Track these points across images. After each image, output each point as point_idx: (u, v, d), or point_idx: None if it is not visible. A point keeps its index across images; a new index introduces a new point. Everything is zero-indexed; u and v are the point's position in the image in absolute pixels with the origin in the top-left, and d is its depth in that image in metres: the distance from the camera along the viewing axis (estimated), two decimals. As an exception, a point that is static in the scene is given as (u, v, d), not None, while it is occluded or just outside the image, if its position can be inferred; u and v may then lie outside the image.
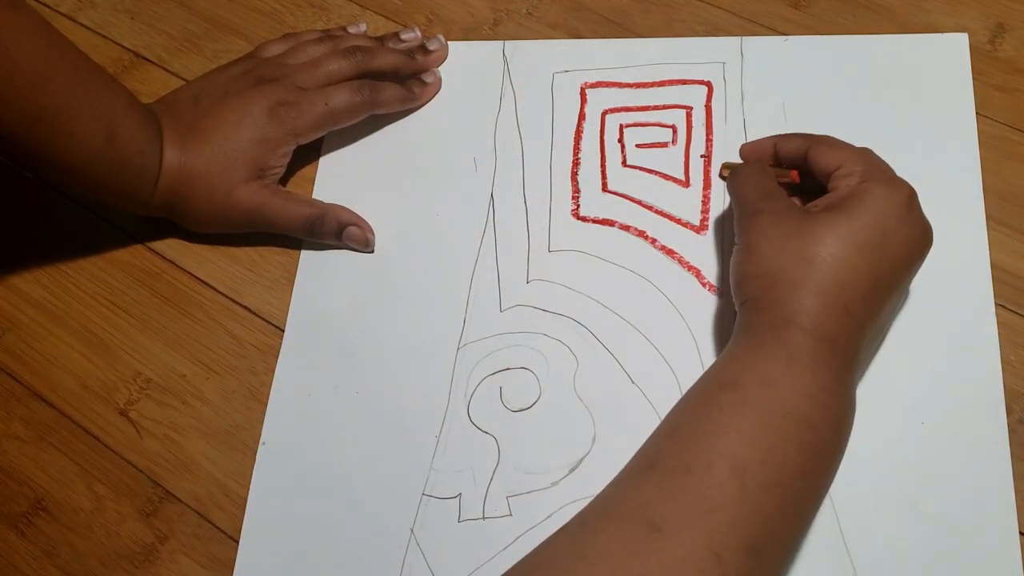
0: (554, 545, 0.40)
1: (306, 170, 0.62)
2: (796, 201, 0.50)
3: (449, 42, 0.64)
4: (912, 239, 0.46)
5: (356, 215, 0.58)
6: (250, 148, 0.57)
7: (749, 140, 0.56)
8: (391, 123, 0.62)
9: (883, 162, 0.49)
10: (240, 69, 0.60)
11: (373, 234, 0.58)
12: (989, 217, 0.54)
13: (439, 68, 0.64)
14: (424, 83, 0.63)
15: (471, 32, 0.65)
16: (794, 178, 0.51)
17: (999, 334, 0.51)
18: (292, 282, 0.58)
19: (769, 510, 0.40)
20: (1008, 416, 0.49)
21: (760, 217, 0.47)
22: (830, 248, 0.44)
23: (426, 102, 0.63)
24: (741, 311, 0.47)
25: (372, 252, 0.58)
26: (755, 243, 0.47)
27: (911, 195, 0.47)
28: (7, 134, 0.52)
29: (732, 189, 0.51)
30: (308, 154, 0.62)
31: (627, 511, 0.40)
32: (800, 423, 0.42)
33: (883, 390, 0.50)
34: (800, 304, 0.44)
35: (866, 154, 0.49)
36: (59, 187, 0.63)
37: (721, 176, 0.57)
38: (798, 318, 0.44)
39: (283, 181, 0.60)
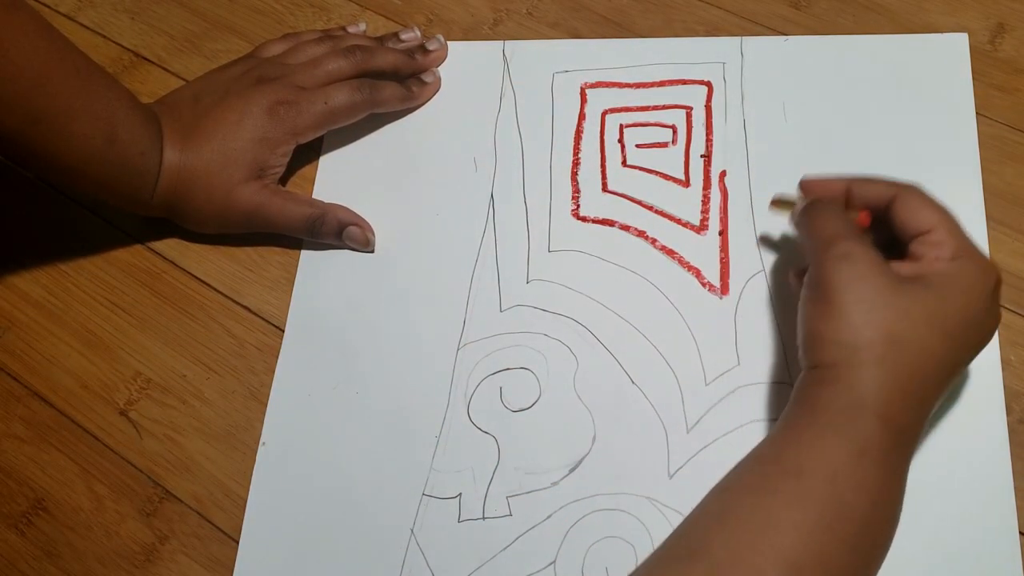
0: None
1: (306, 170, 0.62)
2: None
3: (449, 42, 0.64)
4: (989, 328, 0.44)
5: (356, 215, 0.58)
6: (250, 148, 0.57)
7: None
8: (391, 123, 0.62)
9: (970, 238, 0.45)
10: (240, 69, 0.60)
11: (373, 234, 0.58)
12: (989, 217, 0.54)
13: (438, 68, 0.64)
14: (423, 83, 0.63)
15: (471, 32, 0.65)
16: (863, 221, 0.47)
17: (999, 334, 0.51)
18: (292, 282, 0.58)
19: None
20: (1008, 416, 0.49)
21: (847, 264, 0.43)
22: (920, 331, 0.41)
23: (425, 102, 0.63)
24: (809, 375, 0.43)
25: (372, 252, 0.58)
26: (840, 300, 0.42)
27: (998, 283, 0.44)
28: (7, 135, 0.51)
29: (806, 226, 0.47)
30: (308, 154, 0.62)
31: None
32: (859, 526, 0.39)
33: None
34: (879, 389, 0.41)
35: (956, 224, 0.45)
36: (59, 187, 0.63)
37: (771, 208, 0.52)
38: (875, 405, 0.40)
39: (283, 181, 0.60)
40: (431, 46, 0.63)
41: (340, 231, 0.58)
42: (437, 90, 0.63)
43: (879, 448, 0.40)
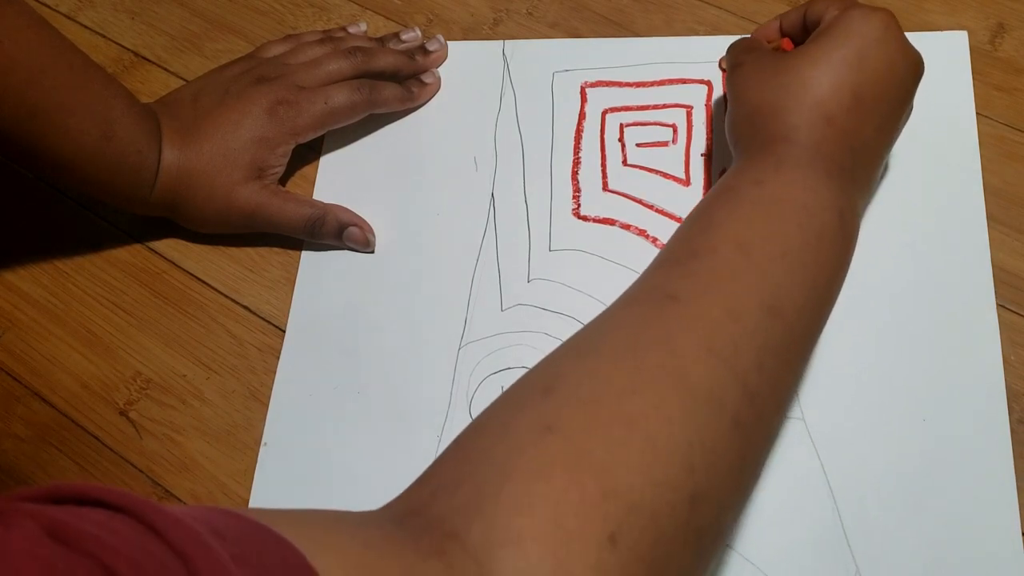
0: (581, 332, 0.41)
1: (306, 170, 0.62)
2: None
3: (449, 42, 0.64)
4: (891, 57, 0.47)
5: (356, 215, 0.58)
6: (250, 148, 0.57)
7: None
8: (391, 123, 0.62)
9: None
10: (240, 69, 0.61)
11: (373, 234, 0.58)
12: (990, 217, 0.54)
13: (439, 68, 0.64)
14: (423, 83, 0.63)
15: (471, 32, 0.65)
16: (786, 46, 0.52)
17: (1000, 334, 0.51)
18: (292, 282, 0.58)
19: (779, 277, 0.41)
20: (1009, 416, 0.49)
21: (742, 68, 0.49)
22: (805, 72, 0.46)
23: (425, 102, 0.63)
24: (735, 154, 0.49)
25: (372, 252, 0.58)
26: (739, 92, 0.49)
27: (886, 18, 0.48)
28: (3, 130, 0.51)
29: (726, 63, 0.53)
30: (308, 154, 0.62)
31: (643, 292, 0.42)
32: (796, 207, 0.43)
33: (885, 390, 0.50)
34: (783, 123, 0.46)
35: None
36: (57, 185, 0.63)
37: (720, 67, 0.57)
38: (782, 133, 0.46)
39: (283, 181, 0.60)
40: (431, 47, 0.63)
41: (340, 231, 0.58)
42: (437, 90, 0.63)
43: (796, 158, 0.45)
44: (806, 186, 0.44)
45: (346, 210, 0.59)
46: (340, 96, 0.59)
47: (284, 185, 0.61)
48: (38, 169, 0.63)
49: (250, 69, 0.60)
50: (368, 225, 0.59)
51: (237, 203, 0.57)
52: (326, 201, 0.59)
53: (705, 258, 0.42)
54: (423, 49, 0.64)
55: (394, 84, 0.61)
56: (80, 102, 0.53)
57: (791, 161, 0.45)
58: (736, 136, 0.49)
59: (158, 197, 0.57)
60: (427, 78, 0.63)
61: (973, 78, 0.58)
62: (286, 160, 0.59)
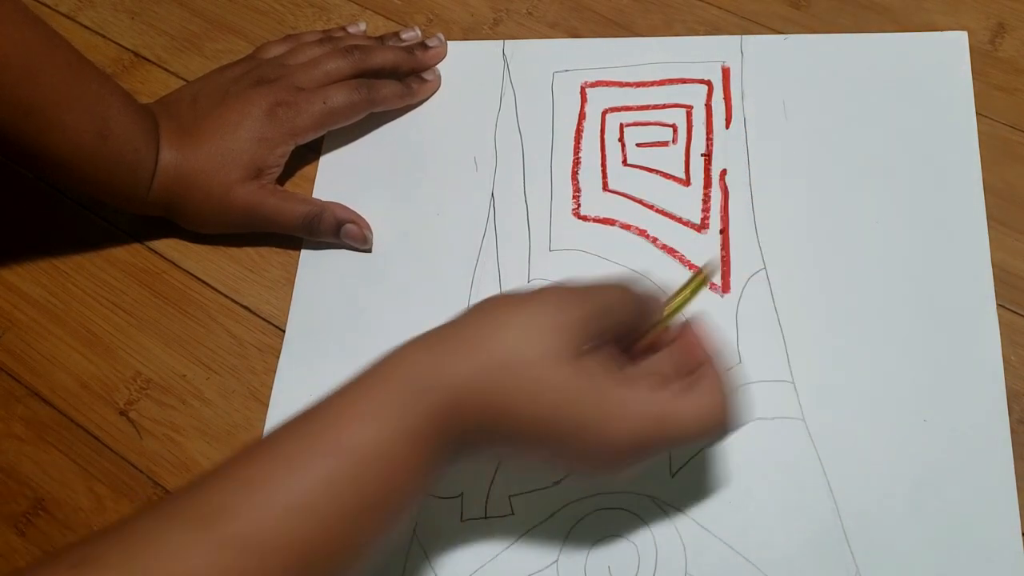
0: None
1: (306, 170, 0.62)
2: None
3: (449, 42, 0.64)
4: (606, 459, 0.42)
5: (354, 212, 0.58)
6: (248, 148, 0.57)
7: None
8: (391, 123, 0.62)
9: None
10: (240, 70, 0.61)
11: (371, 231, 0.58)
12: (990, 217, 0.54)
13: (439, 66, 0.64)
14: (423, 80, 0.63)
15: (471, 32, 0.65)
16: None
17: (1000, 334, 0.51)
18: (292, 282, 0.58)
19: None
20: (1010, 416, 0.49)
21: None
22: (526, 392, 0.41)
23: (425, 99, 0.63)
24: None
25: (370, 250, 0.58)
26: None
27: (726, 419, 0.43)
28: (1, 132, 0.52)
29: None
30: (308, 154, 0.62)
31: None
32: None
33: (885, 390, 0.50)
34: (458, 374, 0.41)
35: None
36: (53, 184, 0.63)
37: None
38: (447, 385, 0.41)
39: (282, 181, 0.60)
40: (431, 43, 0.64)
41: (338, 229, 0.58)
42: (437, 88, 0.63)
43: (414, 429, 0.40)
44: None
45: (344, 207, 0.59)
46: (339, 96, 0.59)
47: (284, 185, 0.61)
48: (35, 168, 0.63)
49: (250, 71, 0.60)
50: (365, 222, 0.58)
51: (235, 203, 0.57)
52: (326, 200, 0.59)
53: None
54: (423, 45, 0.64)
55: (393, 81, 0.61)
56: (75, 99, 0.53)
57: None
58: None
59: (155, 197, 0.58)
60: (427, 75, 0.63)
61: (973, 78, 0.58)
62: (284, 160, 0.59)
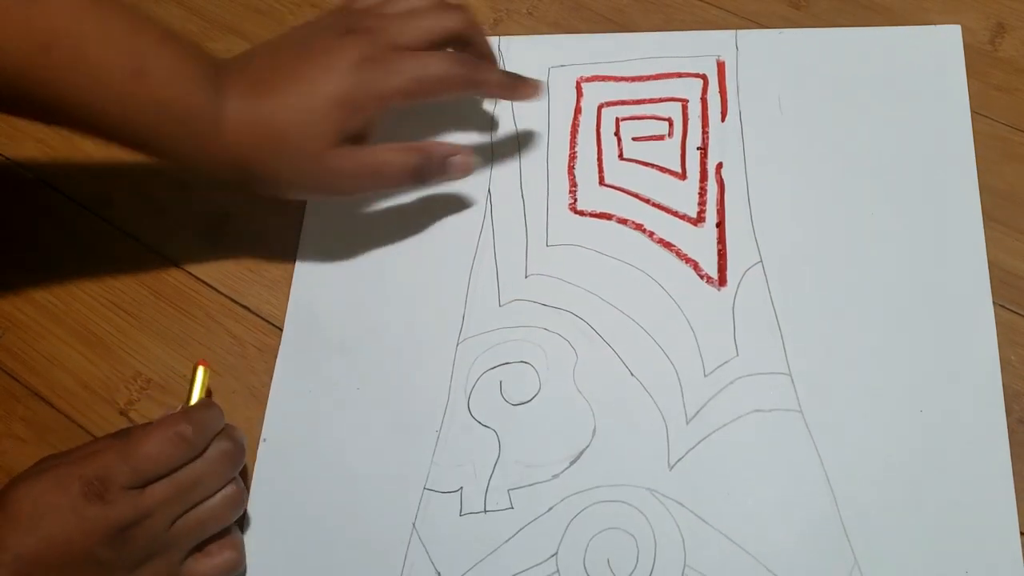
0: None
1: (304, 169, 0.62)
2: None
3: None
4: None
5: (450, 144, 0.54)
6: (333, 109, 0.50)
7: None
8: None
9: None
10: (329, 21, 0.54)
11: (472, 154, 0.54)
12: (990, 217, 0.54)
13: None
14: (527, 80, 0.55)
15: (469, 31, 0.66)
16: None
17: (998, 334, 0.51)
18: (291, 282, 0.58)
19: None
20: (1008, 416, 0.49)
21: None
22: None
23: (519, 101, 0.57)
24: None
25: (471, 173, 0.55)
26: None
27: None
28: (16, 71, 0.46)
29: None
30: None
31: None
32: None
33: (881, 382, 0.50)
34: None
35: None
36: (89, 137, 0.54)
37: None
38: None
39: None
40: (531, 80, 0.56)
41: (445, 169, 0.53)
42: (536, 96, 0.56)
43: None
44: None
45: (440, 143, 0.54)
46: (437, 65, 0.52)
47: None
48: (60, 119, 0.52)
49: (339, 20, 0.53)
50: (465, 148, 0.54)
51: (331, 170, 0.52)
52: (321, 200, 0.59)
53: None
54: (521, 78, 0.56)
55: (500, 69, 0.55)
56: (101, 31, 0.47)
57: None
58: None
59: (228, 153, 0.51)
60: (533, 83, 0.56)
61: (973, 78, 0.58)
62: (374, 126, 0.53)
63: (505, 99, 0.58)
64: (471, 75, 0.53)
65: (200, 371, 0.51)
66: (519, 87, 0.55)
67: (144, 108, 0.48)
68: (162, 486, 0.46)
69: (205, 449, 0.47)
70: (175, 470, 0.46)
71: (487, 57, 0.56)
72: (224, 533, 0.49)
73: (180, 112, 0.49)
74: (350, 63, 0.50)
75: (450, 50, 0.54)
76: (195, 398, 0.50)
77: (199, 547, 0.48)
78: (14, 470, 0.54)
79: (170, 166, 0.54)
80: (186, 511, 0.47)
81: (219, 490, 0.48)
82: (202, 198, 0.62)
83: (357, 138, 0.52)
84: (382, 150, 0.52)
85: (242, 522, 0.51)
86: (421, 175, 0.53)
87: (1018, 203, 0.55)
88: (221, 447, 0.48)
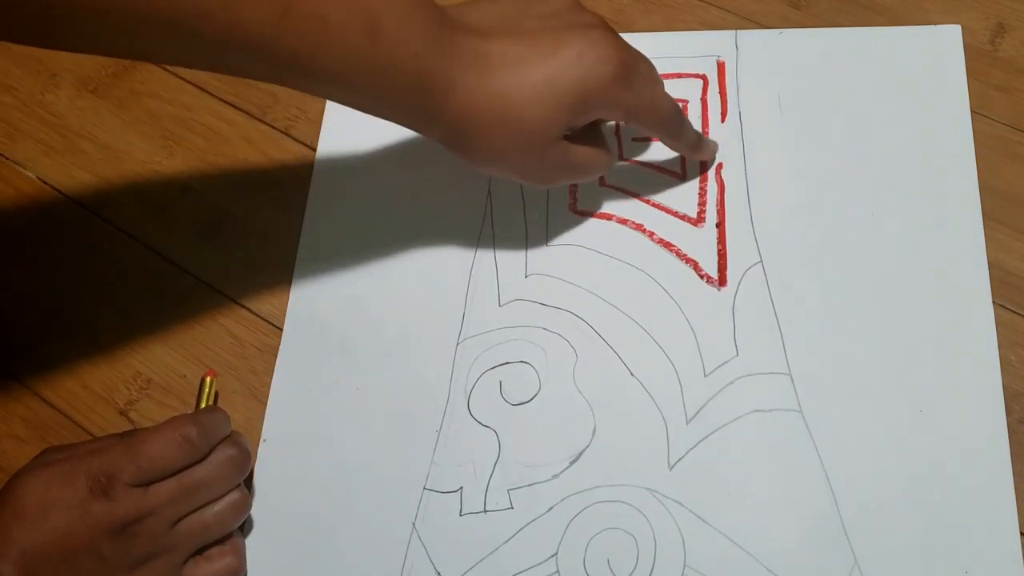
0: None
1: (303, 167, 0.62)
2: None
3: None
4: None
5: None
6: (576, 102, 0.48)
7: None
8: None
9: None
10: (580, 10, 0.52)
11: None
12: (990, 217, 0.54)
13: None
14: (712, 145, 0.57)
15: (468, 32, 0.66)
16: None
17: (999, 334, 0.51)
18: (291, 282, 0.58)
19: None
20: (1008, 416, 0.49)
21: None
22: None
23: (699, 158, 0.57)
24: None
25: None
26: None
27: None
28: (260, 38, 0.43)
29: None
30: (305, 150, 0.62)
31: None
32: None
33: (881, 382, 0.50)
34: None
35: None
36: (325, 98, 0.54)
37: None
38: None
39: (275, 177, 0.60)
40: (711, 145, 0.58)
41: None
42: (710, 158, 0.58)
43: None
44: None
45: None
46: (666, 100, 0.52)
47: (279, 182, 0.61)
48: (300, 83, 0.48)
49: (582, 8, 0.51)
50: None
51: (547, 161, 0.50)
52: (321, 200, 0.59)
53: None
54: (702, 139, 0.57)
55: (692, 127, 0.56)
56: None
57: None
58: None
59: (449, 120, 0.48)
60: (712, 143, 0.57)
61: (973, 78, 0.58)
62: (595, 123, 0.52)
63: (686, 155, 0.57)
64: (678, 129, 0.54)
65: (208, 381, 0.52)
66: (704, 147, 0.57)
67: (377, 70, 0.46)
68: (166, 486, 0.46)
69: (210, 453, 0.48)
70: (180, 472, 0.47)
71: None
72: (226, 538, 0.49)
73: (412, 76, 0.47)
74: (601, 59, 0.48)
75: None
76: (202, 407, 0.51)
77: (200, 551, 0.48)
78: (14, 470, 0.54)
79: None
80: (189, 514, 0.47)
81: (224, 495, 0.48)
82: (202, 198, 0.62)
83: (579, 126, 0.51)
84: (587, 150, 0.52)
85: (243, 523, 0.51)
86: (610, 167, 0.54)
87: (1018, 203, 0.55)
88: (227, 452, 0.48)
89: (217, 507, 0.48)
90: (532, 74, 0.47)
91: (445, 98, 0.47)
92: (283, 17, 0.43)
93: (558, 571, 0.48)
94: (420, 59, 0.46)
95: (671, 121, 0.53)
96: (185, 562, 0.48)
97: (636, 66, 0.50)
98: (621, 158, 0.59)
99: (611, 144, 0.56)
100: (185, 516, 0.47)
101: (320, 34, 0.44)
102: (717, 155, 0.58)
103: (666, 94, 0.53)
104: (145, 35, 0.42)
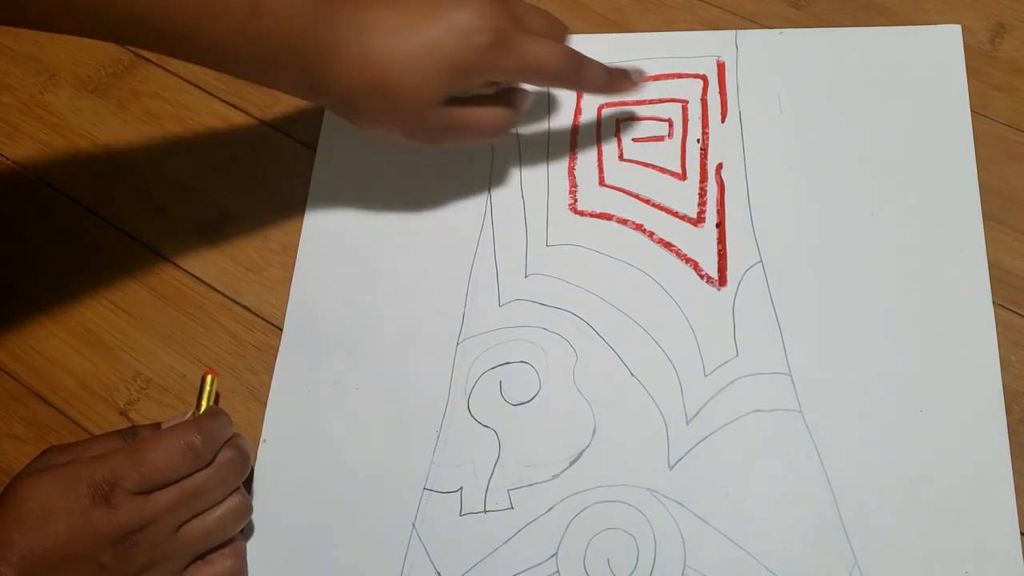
0: None
1: (302, 166, 0.62)
2: None
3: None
4: None
5: (529, 92, 0.55)
6: (448, 72, 0.50)
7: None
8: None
9: None
10: None
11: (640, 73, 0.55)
12: (990, 217, 0.54)
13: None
14: (630, 78, 0.55)
15: (468, 32, 0.66)
16: None
17: (999, 334, 0.51)
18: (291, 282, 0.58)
19: None
20: (1008, 416, 0.49)
21: None
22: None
23: (618, 96, 0.57)
24: None
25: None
26: None
27: None
28: (144, 4, 0.46)
29: None
30: (305, 149, 0.62)
31: None
32: None
33: (881, 382, 0.51)
34: None
35: None
36: (213, 69, 0.54)
37: None
38: None
39: (273, 177, 0.60)
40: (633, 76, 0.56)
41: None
42: (634, 89, 0.56)
43: None
44: None
45: (523, 93, 0.55)
46: (552, 54, 0.52)
47: (269, 180, 0.61)
48: (190, 54, 0.51)
49: None
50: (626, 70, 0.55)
51: (428, 125, 0.52)
52: (321, 200, 0.59)
53: None
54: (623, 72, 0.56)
55: (602, 65, 0.55)
56: None
57: None
58: None
59: (334, 89, 0.51)
60: (634, 76, 0.56)
61: (973, 78, 0.58)
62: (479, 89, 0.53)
63: (599, 95, 0.58)
64: (578, 73, 0.54)
65: (208, 379, 0.51)
66: (617, 83, 0.55)
67: (259, 43, 0.49)
68: (168, 493, 0.46)
69: (213, 458, 0.48)
70: (182, 478, 0.46)
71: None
72: (227, 541, 0.49)
73: (293, 48, 0.49)
74: (474, 28, 0.50)
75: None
76: (203, 407, 0.51)
77: (201, 555, 0.48)
78: (14, 470, 0.54)
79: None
80: (190, 519, 0.47)
81: (224, 499, 0.48)
82: (202, 198, 0.62)
83: (460, 94, 0.52)
84: (477, 111, 0.53)
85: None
86: (510, 127, 0.55)
87: (1018, 203, 0.55)
88: (228, 456, 0.48)
89: (218, 512, 0.48)
90: (408, 42, 0.49)
91: (327, 69, 0.50)
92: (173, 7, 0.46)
93: (558, 571, 0.48)
94: (300, 33, 0.49)
95: (564, 75, 0.53)
96: (186, 567, 0.48)
97: (511, 32, 0.51)
98: (621, 158, 0.59)
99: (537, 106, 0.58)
100: (186, 522, 0.47)
101: (204, 9, 0.47)
102: (717, 155, 0.58)
103: (556, 46, 0.52)
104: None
